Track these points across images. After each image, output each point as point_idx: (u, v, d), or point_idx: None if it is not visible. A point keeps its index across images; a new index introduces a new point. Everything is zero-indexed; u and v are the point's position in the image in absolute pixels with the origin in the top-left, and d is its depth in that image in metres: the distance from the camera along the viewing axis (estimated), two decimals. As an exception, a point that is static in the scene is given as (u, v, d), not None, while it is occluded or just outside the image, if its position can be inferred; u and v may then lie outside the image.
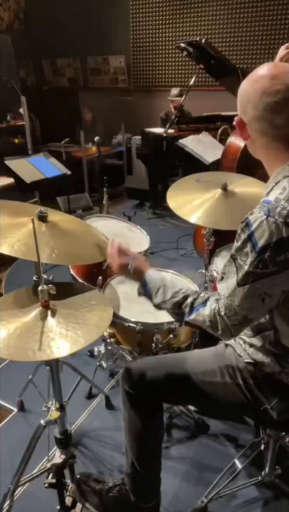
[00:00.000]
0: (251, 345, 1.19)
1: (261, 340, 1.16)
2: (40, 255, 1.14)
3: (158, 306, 1.19)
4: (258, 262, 0.95)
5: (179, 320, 1.15)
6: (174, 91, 4.82)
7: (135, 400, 1.28)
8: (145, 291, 1.21)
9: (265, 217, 0.94)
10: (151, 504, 1.39)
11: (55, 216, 1.46)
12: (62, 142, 4.15)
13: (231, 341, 1.27)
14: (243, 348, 1.21)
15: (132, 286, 1.77)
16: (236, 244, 1.00)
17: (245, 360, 1.20)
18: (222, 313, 1.03)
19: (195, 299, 1.10)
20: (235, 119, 1.08)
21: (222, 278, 1.06)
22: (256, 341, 1.17)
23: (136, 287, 1.78)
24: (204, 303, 1.08)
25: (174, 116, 4.44)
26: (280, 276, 0.96)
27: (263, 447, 1.56)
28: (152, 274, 1.22)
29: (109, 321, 1.15)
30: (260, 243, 0.93)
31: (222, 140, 3.52)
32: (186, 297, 1.12)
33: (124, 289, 1.75)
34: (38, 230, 1.20)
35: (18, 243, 1.26)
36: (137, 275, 1.23)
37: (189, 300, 1.11)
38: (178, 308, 1.13)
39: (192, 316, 1.09)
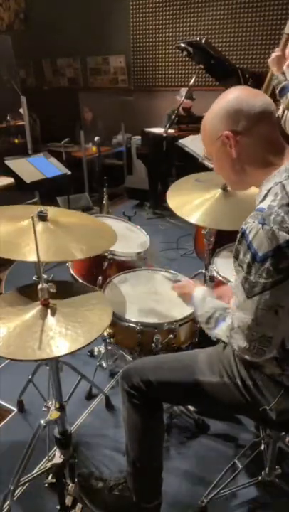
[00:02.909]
0: None
1: None
2: (40, 256, 1.14)
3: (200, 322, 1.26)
4: (262, 271, 0.94)
5: (211, 334, 1.20)
6: (183, 91, 4.74)
7: (135, 400, 1.28)
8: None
9: (260, 225, 0.93)
10: (153, 504, 1.38)
11: (55, 213, 1.46)
12: (62, 142, 4.15)
13: None
14: None
15: (132, 287, 1.77)
16: (238, 256, 1.00)
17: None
18: (236, 327, 1.04)
19: (221, 314, 1.16)
20: (225, 135, 1.04)
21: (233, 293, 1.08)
22: None
23: (136, 287, 1.79)
24: (224, 319, 1.14)
25: (174, 116, 4.44)
26: (286, 283, 0.94)
27: (263, 447, 1.56)
28: (197, 293, 1.33)
29: (109, 321, 1.15)
30: (260, 252, 0.93)
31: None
32: (215, 311, 1.19)
33: (125, 289, 1.75)
34: (42, 229, 1.21)
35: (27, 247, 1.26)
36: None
37: (216, 314, 1.17)
38: (206, 323, 1.20)
39: (216, 331, 1.16)
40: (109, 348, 2.13)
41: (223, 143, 1.05)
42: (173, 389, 1.28)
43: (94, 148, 4.90)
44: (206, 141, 1.13)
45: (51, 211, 1.45)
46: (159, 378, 1.26)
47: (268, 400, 1.16)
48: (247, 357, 1.08)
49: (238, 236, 0.99)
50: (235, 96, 1.05)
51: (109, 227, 1.62)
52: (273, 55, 2.41)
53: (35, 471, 1.57)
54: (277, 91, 2.38)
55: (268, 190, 0.99)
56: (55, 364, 1.29)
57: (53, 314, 1.12)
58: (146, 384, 1.26)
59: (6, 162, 3.04)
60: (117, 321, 1.59)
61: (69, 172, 3.32)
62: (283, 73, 2.37)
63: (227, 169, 1.11)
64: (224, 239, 2.10)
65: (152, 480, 1.39)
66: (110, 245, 1.55)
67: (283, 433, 1.52)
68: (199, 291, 1.33)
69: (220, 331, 1.15)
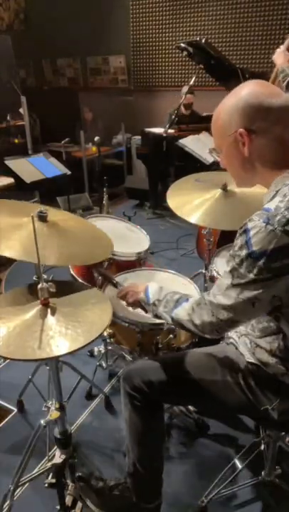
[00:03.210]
0: (257, 346, 1.18)
1: (268, 342, 1.15)
2: (40, 256, 1.14)
3: (154, 309, 1.26)
4: (253, 268, 0.95)
5: (167, 317, 1.21)
6: (185, 89, 4.75)
7: (136, 401, 1.28)
8: (146, 298, 1.29)
9: (264, 224, 0.93)
10: (154, 505, 1.38)
11: (55, 215, 1.46)
12: (62, 142, 4.14)
13: (234, 339, 1.27)
14: (248, 347, 1.21)
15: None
16: (234, 248, 1.00)
17: (248, 360, 1.19)
18: (208, 302, 1.06)
19: (182, 297, 1.19)
20: (239, 132, 1.02)
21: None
22: (263, 343, 1.16)
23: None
24: (187, 300, 1.17)
25: (173, 116, 4.44)
26: (273, 281, 0.95)
27: (263, 447, 1.56)
28: (152, 284, 1.32)
29: (109, 320, 1.15)
30: (257, 250, 0.93)
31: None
32: (175, 295, 1.21)
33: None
34: (39, 230, 1.20)
35: (18, 244, 1.26)
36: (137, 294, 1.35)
37: (177, 296, 1.21)
38: (164, 307, 1.21)
39: (176, 310, 1.17)
40: (109, 348, 2.13)
41: (236, 139, 1.03)
42: (174, 389, 1.28)
43: (94, 148, 4.90)
44: (217, 134, 1.09)
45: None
46: (160, 379, 1.26)
47: (269, 400, 1.16)
48: (206, 334, 1.10)
49: (240, 230, 0.98)
50: (254, 92, 1.00)
51: (105, 234, 1.59)
52: (277, 50, 2.44)
53: (35, 471, 1.57)
54: (284, 84, 2.38)
55: (277, 191, 0.99)
56: (55, 364, 1.29)
57: (52, 314, 1.12)
58: (148, 385, 1.26)
59: (6, 162, 3.04)
60: (117, 321, 1.59)
61: (69, 172, 3.32)
62: None
63: (236, 166, 1.09)
64: (225, 239, 2.10)
65: (153, 480, 1.39)
66: (106, 255, 1.54)
67: (283, 433, 1.52)
68: (154, 283, 1.33)
69: (181, 310, 1.16)
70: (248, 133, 1.00)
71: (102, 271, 1.69)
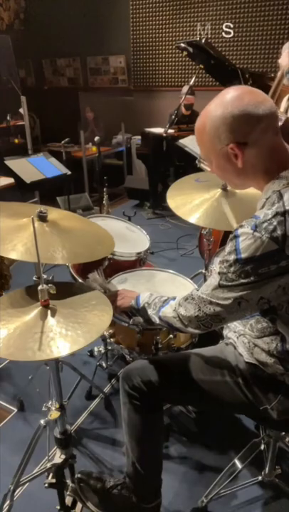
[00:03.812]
0: (255, 346, 1.19)
1: (266, 343, 1.16)
2: (40, 256, 1.14)
3: (143, 314, 1.29)
4: (241, 272, 0.97)
5: (156, 318, 1.24)
6: (185, 89, 4.75)
7: (135, 400, 1.28)
8: (137, 304, 1.32)
9: (251, 231, 0.95)
10: (153, 505, 1.39)
11: (55, 215, 1.46)
12: (62, 142, 4.14)
13: (233, 340, 1.27)
14: (246, 347, 1.21)
15: (132, 287, 1.77)
16: (224, 252, 1.03)
17: (246, 360, 1.20)
18: (195, 297, 1.09)
19: (169, 298, 1.23)
20: (230, 149, 1.00)
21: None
22: (261, 343, 1.17)
23: (136, 287, 1.79)
24: (174, 298, 1.21)
25: (173, 116, 4.44)
26: (260, 284, 0.97)
27: (263, 447, 1.56)
28: (142, 294, 1.34)
29: (109, 321, 1.15)
30: (244, 256, 0.96)
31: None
32: (162, 297, 1.25)
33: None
34: (38, 230, 1.20)
35: (19, 245, 1.26)
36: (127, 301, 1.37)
37: (164, 298, 1.24)
38: (153, 309, 1.24)
39: (163, 309, 1.20)
40: (109, 348, 2.13)
41: (227, 153, 1.02)
42: (174, 389, 1.28)
43: (94, 148, 4.90)
44: (205, 146, 1.07)
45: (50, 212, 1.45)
46: (160, 379, 1.26)
47: (269, 400, 1.16)
48: (190, 328, 1.13)
49: (231, 236, 1.01)
50: (240, 104, 0.97)
51: (107, 232, 1.60)
52: (283, 54, 2.45)
53: (35, 471, 1.57)
54: None
55: (267, 199, 1.00)
56: (55, 364, 1.29)
57: (53, 315, 1.12)
58: (147, 385, 1.26)
59: (6, 162, 3.03)
60: (117, 321, 1.59)
61: (69, 172, 3.32)
62: None
63: (229, 176, 1.09)
64: (226, 239, 2.10)
65: (152, 480, 1.39)
66: (108, 252, 1.57)
67: (283, 433, 1.52)
68: (145, 292, 1.35)
69: (167, 308, 1.19)
70: (240, 146, 1.00)
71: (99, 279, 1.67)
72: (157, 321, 1.23)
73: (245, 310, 1.03)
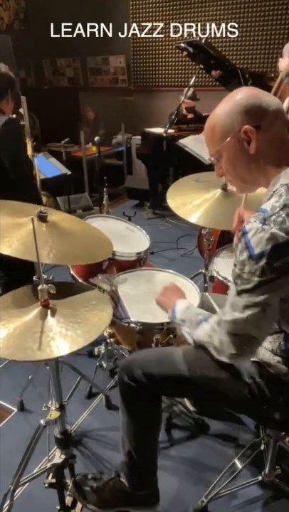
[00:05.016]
0: None
1: (270, 342, 1.16)
2: (39, 255, 1.14)
3: (178, 329, 1.28)
4: (256, 270, 0.96)
5: (190, 339, 1.20)
6: (189, 92, 4.71)
7: (135, 392, 1.27)
8: (173, 316, 1.29)
9: (260, 225, 0.95)
10: (149, 492, 1.39)
11: (55, 216, 1.46)
12: (62, 142, 4.15)
13: None
14: None
15: (132, 287, 1.77)
16: (236, 254, 1.01)
17: (251, 359, 1.19)
18: (223, 321, 1.05)
19: (204, 317, 1.17)
20: (244, 130, 1.03)
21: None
22: (265, 342, 1.16)
23: (136, 287, 1.79)
24: (207, 320, 1.15)
25: (173, 117, 4.44)
26: (278, 282, 0.96)
27: (263, 447, 1.56)
28: (180, 302, 1.31)
29: (109, 321, 1.15)
30: (257, 250, 0.95)
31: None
32: (198, 315, 1.19)
33: (125, 289, 1.75)
34: (37, 229, 1.20)
35: (17, 243, 1.26)
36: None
37: (199, 317, 1.18)
38: (188, 327, 1.20)
39: (196, 331, 1.16)
40: (109, 348, 2.14)
41: (239, 140, 1.04)
42: (177, 383, 1.26)
43: (94, 148, 4.90)
44: (216, 139, 1.09)
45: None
46: (162, 373, 1.24)
47: (271, 399, 1.16)
48: (224, 357, 1.08)
49: (239, 234, 1.00)
50: (251, 94, 1.04)
51: (104, 235, 1.60)
52: (280, 59, 2.46)
53: (35, 471, 1.57)
54: None
55: (274, 191, 1.01)
56: (55, 364, 1.29)
57: (53, 315, 1.12)
58: (148, 377, 1.23)
59: (6, 162, 3.03)
60: (116, 321, 1.59)
61: (69, 172, 3.32)
62: None
63: (240, 168, 1.09)
64: (225, 239, 2.10)
65: (148, 467, 1.39)
66: (106, 256, 1.57)
67: (283, 433, 1.52)
68: (182, 301, 1.32)
69: (201, 331, 1.15)
70: (253, 130, 1.02)
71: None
72: (191, 342, 1.20)
73: (272, 317, 1.01)
